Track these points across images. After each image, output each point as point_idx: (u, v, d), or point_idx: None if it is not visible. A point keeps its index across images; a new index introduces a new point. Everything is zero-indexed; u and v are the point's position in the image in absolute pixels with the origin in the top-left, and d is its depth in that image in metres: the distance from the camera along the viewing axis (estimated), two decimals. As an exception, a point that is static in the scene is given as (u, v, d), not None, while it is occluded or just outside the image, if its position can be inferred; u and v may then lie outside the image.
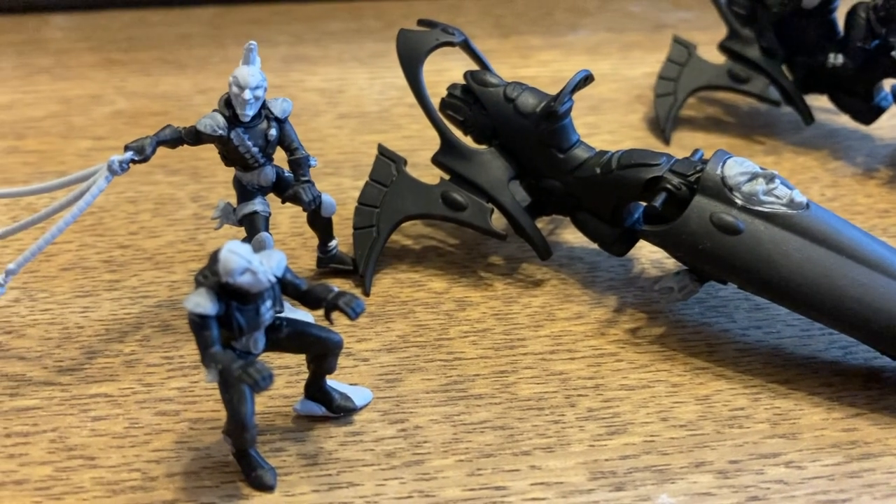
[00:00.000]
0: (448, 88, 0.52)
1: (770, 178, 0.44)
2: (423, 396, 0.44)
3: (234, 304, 0.36)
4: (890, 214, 0.57)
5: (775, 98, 0.63)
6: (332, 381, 0.43)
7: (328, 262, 0.50)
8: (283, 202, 0.46)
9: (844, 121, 0.64)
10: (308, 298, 0.38)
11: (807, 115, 0.63)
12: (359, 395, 0.43)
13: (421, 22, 0.52)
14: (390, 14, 0.80)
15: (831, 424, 0.43)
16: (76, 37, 0.76)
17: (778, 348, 0.47)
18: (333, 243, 0.50)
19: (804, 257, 0.43)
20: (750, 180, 0.45)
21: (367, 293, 0.49)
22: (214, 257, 0.36)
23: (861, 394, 0.44)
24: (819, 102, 0.64)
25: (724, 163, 0.45)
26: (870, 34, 0.60)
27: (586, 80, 0.49)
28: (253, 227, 0.45)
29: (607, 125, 0.65)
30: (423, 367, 0.45)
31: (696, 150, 0.48)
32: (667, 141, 0.63)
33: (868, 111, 0.62)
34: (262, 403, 0.43)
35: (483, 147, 0.51)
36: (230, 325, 0.36)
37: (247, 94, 0.42)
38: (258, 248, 0.45)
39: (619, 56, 0.75)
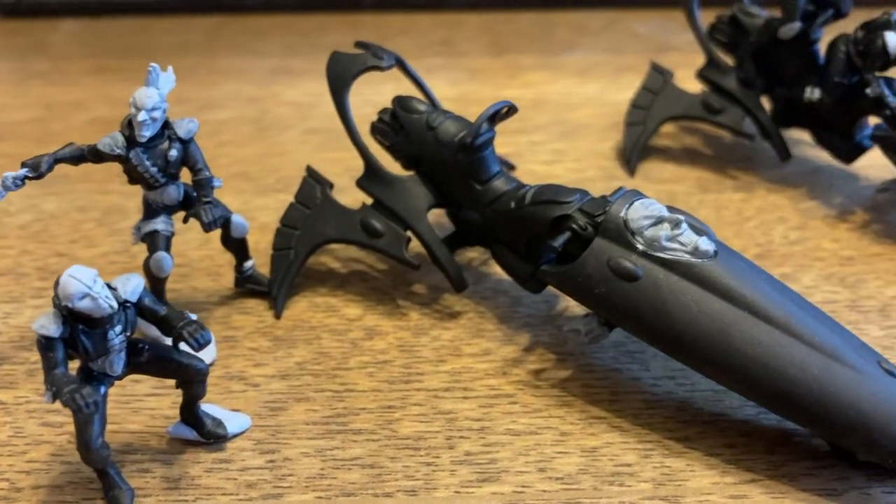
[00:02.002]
0: (379, 113, 0.51)
1: (675, 224, 0.42)
2: (302, 428, 0.43)
3: (80, 327, 0.36)
4: (853, 263, 0.53)
5: (750, 132, 0.60)
6: (210, 406, 0.43)
7: (245, 283, 0.50)
8: (185, 221, 0.46)
9: (831, 158, 0.60)
10: (163, 325, 0.38)
11: (783, 151, 0.60)
12: (235, 422, 0.43)
13: (358, 44, 0.52)
14: (389, 27, 0.80)
15: (720, 490, 0.40)
16: (77, 42, 0.78)
17: (687, 402, 0.44)
18: (249, 263, 0.50)
19: (702, 310, 0.41)
20: (654, 224, 0.42)
21: (277, 316, 0.49)
22: (57, 281, 0.36)
23: (763, 458, 0.42)
24: (808, 136, 0.61)
25: (631, 205, 0.43)
26: (849, 69, 0.56)
27: (509, 110, 0.47)
28: (153, 245, 0.45)
29: (575, 152, 0.63)
30: (311, 398, 0.45)
31: (619, 189, 0.46)
32: (631, 172, 0.61)
33: (848, 149, 0.58)
34: (142, 423, 0.44)
35: (406, 174, 0.50)
36: (76, 348, 0.36)
37: (142, 116, 0.43)
38: (156, 268, 0.46)
39: (609, 79, 0.72)
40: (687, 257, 0.42)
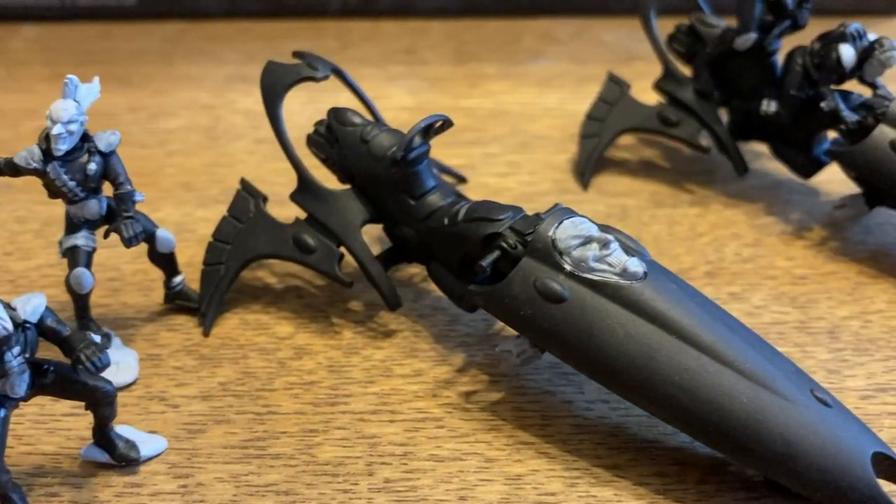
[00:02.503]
0: (315, 125, 0.49)
1: (604, 244, 0.40)
2: (220, 451, 0.42)
3: (-24, 349, 0.35)
4: (805, 282, 0.52)
5: (705, 145, 0.59)
6: (125, 428, 0.41)
7: (174, 299, 0.49)
8: (105, 236, 0.45)
9: (791, 172, 0.58)
10: (65, 346, 0.37)
11: (740, 165, 0.58)
12: (150, 445, 0.41)
13: (295, 54, 0.50)
14: (352, 34, 0.79)
15: (647, 521, 0.39)
16: (36, 49, 0.77)
17: (620, 427, 0.43)
18: (179, 279, 0.49)
19: (628, 334, 0.39)
20: (582, 244, 0.41)
21: (206, 334, 0.48)
22: (-47, 301, 0.35)
23: (694, 489, 0.40)
24: (769, 149, 0.60)
25: (560, 223, 0.41)
26: (806, 82, 0.54)
27: (443, 124, 0.46)
28: (73, 261, 0.44)
29: (530, 165, 0.62)
30: (231, 420, 0.43)
31: (556, 205, 0.45)
32: (585, 185, 0.59)
33: (806, 164, 0.57)
34: (57, 444, 0.42)
35: (341, 188, 0.49)
36: (-27, 370, 0.35)
37: (57, 129, 0.41)
38: (76, 284, 0.45)
39: (571, 89, 0.71)
40: (615, 279, 0.40)
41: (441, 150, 0.64)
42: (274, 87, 0.48)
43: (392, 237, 0.48)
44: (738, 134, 0.58)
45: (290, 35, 0.79)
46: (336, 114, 0.48)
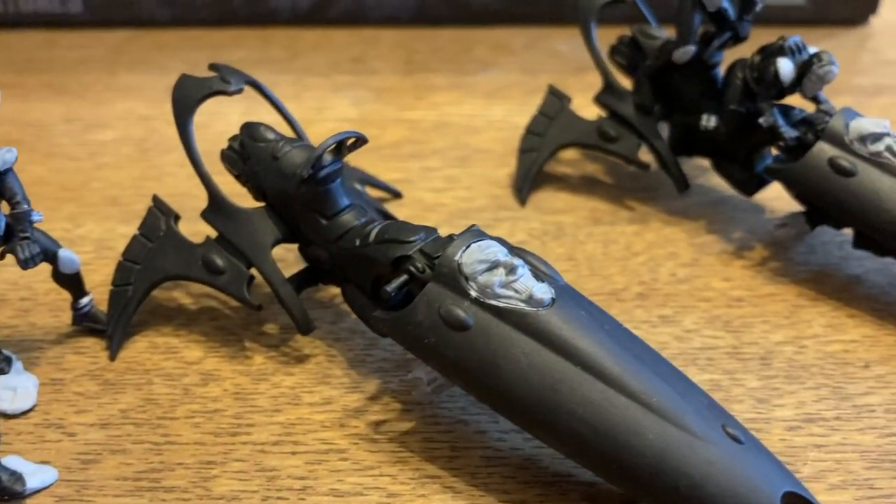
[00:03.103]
0: (229, 140, 0.48)
1: (511, 269, 0.38)
2: (111, 483, 0.40)
3: None
4: (741, 304, 0.50)
5: (645, 161, 0.57)
6: (14, 458, 0.40)
7: (81, 321, 0.47)
8: (1, 258, 0.43)
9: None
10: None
11: (680, 182, 0.56)
12: (39, 477, 0.39)
13: (210, 66, 0.49)
14: (301, 43, 0.77)
15: (549, 562, 0.37)
16: (-23, 57, 0.76)
17: (532, 460, 0.41)
18: (86, 300, 0.47)
19: (532, 364, 0.37)
20: (489, 270, 0.39)
21: (112, 358, 0.46)
22: None
23: (603, 525, 0.39)
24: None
25: (468, 247, 0.40)
26: (746, 96, 0.53)
27: (357, 141, 0.44)
28: (-34, 282, 0.43)
29: (469, 179, 0.60)
30: (128, 450, 0.41)
31: (471, 226, 0.43)
32: (522, 202, 0.58)
33: (748, 181, 0.55)
34: (-57, 476, 0.41)
35: (253, 207, 0.47)
36: None
37: (-53, 147, 0.40)
38: (-33, 306, 0.43)
39: (519, 101, 0.69)
40: (521, 306, 0.38)
41: (378, 164, 0.62)
42: (185, 101, 0.46)
43: (306, 258, 0.46)
44: (680, 149, 0.56)
45: (237, 43, 0.77)
46: (249, 129, 0.46)
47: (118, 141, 0.64)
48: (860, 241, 0.51)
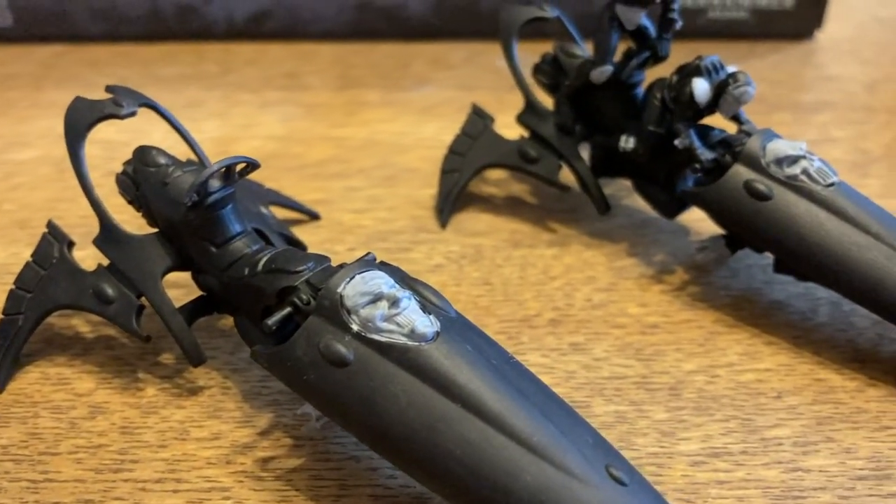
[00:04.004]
0: (124, 164, 0.46)
1: (394, 302, 0.37)
2: (-19, 525, 0.39)
3: None
4: (656, 331, 0.49)
5: (564, 183, 0.55)
6: None
7: (-30, 351, 0.46)
8: None
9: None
10: None
11: (601, 204, 0.55)
12: None
13: (107, 88, 0.47)
14: (235, 58, 0.76)
15: None
16: None
17: (422, 498, 0.39)
18: (-27, 330, 0.46)
19: (411, 402, 0.36)
20: (371, 302, 0.37)
21: (0, 390, 0.45)
22: None
23: (488, 569, 0.37)
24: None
25: (352, 279, 0.38)
26: (664, 117, 0.51)
27: (247, 166, 0.42)
28: None
29: (392, 199, 0.59)
30: (3, 488, 0.40)
31: (365, 254, 0.42)
32: (443, 224, 0.56)
33: (669, 203, 0.54)
34: None
35: (147, 233, 0.46)
36: None
37: None
38: None
39: (452, 118, 0.67)
40: (403, 340, 0.37)
41: (300, 183, 0.61)
42: (76, 125, 0.45)
43: (199, 286, 0.45)
44: (601, 170, 0.55)
45: (169, 59, 0.76)
46: (141, 153, 0.45)
47: (37, 160, 0.62)
48: (780, 266, 0.50)
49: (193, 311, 0.45)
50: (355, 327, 0.37)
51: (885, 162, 0.63)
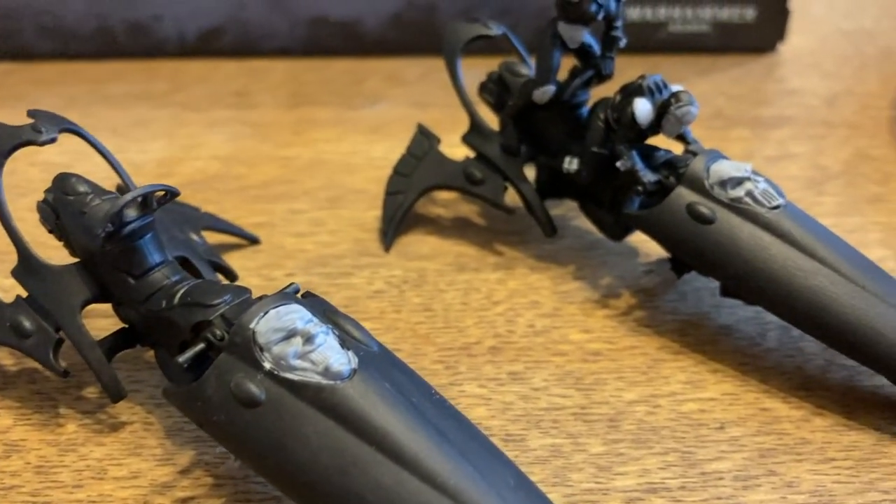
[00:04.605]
0: (45, 191, 0.45)
1: (308, 338, 0.36)
2: None
3: None
4: (598, 358, 0.47)
5: (510, 206, 0.53)
6: None
7: None
8: None
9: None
10: None
11: (546, 227, 0.53)
12: None
13: (29, 113, 0.46)
14: (186, 76, 0.74)
15: None
16: None
17: (344, 540, 0.38)
18: None
19: (323, 444, 0.34)
20: (285, 339, 0.36)
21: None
22: None
23: None
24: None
25: (266, 313, 0.37)
26: (607, 138, 0.50)
27: (166, 195, 0.41)
28: None
29: (336, 222, 0.57)
30: None
31: (288, 285, 0.40)
32: (386, 248, 0.55)
33: (615, 225, 0.52)
34: None
35: (64, 264, 0.44)
36: None
37: None
38: None
39: (402, 138, 0.65)
40: (317, 379, 0.35)
41: (242, 206, 0.59)
42: (-10, 153, 0.43)
43: (120, 318, 0.43)
44: (546, 192, 0.54)
45: (119, 77, 0.74)
46: (60, 181, 0.43)
47: (-30, 184, 0.61)
48: (727, 290, 0.48)
49: (114, 343, 0.43)
50: (268, 365, 0.36)
51: (841, 179, 0.61)
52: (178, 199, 0.55)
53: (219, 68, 0.75)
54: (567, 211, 0.57)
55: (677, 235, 0.47)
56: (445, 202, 0.59)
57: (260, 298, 0.39)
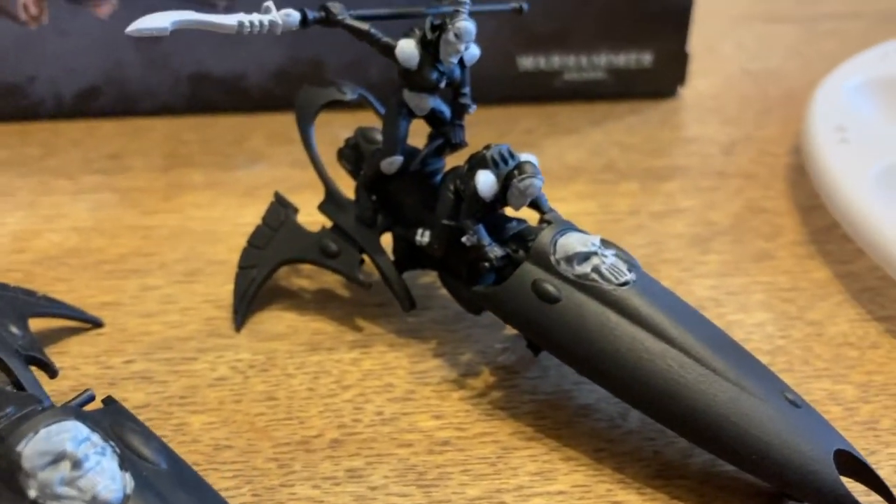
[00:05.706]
0: None
1: (76, 463, 0.32)
2: None
3: None
4: (445, 450, 0.44)
5: (366, 280, 0.50)
6: None
7: None
8: None
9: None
10: None
11: (404, 301, 0.50)
12: None
13: None
14: (61, 138, 0.70)
15: None
16: None
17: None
18: None
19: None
20: (52, 463, 0.32)
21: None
22: None
23: None
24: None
25: (37, 433, 0.33)
26: (457, 209, 0.47)
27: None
28: None
29: (188, 299, 0.54)
30: None
31: (83, 391, 0.37)
32: (238, 327, 0.51)
33: (472, 300, 0.49)
34: None
35: None
36: None
37: None
38: None
39: (276, 201, 0.64)
40: (83, 507, 0.33)
41: (93, 283, 0.56)
42: None
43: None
44: (405, 264, 0.51)
45: (-10, 141, 0.71)
46: None
47: None
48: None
49: None
50: (33, 493, 0.32)
51: (729, 235, 0.59)
52: (16, 282, 0.53)
53: (96, 130, 0.72)
54: (434, 280, 0.54)
55: (523, 315, 0.44)
56: (307, 272, 0.56)
57: (44, 411, 0.36)
